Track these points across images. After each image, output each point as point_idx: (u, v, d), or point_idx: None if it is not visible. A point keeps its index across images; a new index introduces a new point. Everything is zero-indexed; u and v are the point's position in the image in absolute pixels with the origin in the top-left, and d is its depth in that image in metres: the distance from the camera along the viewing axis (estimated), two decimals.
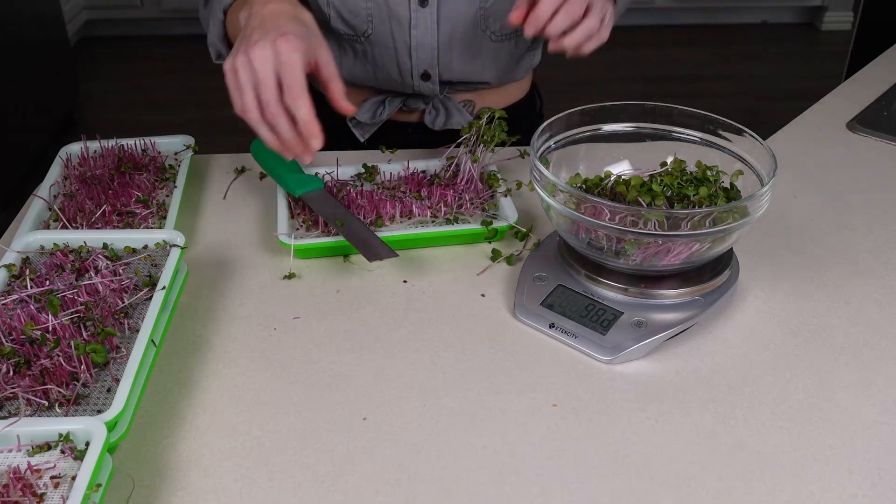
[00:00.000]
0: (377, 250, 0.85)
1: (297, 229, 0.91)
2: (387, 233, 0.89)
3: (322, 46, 0.78)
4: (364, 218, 0.90)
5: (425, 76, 1.05)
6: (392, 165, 1.00)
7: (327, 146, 0.81)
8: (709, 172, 0.83)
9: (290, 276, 0.87)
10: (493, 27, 1.01)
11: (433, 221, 0.92)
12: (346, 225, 0.88)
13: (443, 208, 0.93)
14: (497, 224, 0.90)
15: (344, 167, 1.00)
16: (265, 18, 0.77)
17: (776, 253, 0.91)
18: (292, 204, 0.94)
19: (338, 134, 1.11)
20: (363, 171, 1.00)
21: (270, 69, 0.74)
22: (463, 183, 0.96)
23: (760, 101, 3.25)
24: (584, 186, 0.84)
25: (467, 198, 0.94)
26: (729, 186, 0.83)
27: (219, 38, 0.92)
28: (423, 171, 1.00)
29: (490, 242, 0.92)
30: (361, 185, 0.98)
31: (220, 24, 0.89)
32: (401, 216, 0.92)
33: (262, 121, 0.77)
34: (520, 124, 1.21)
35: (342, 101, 0.80)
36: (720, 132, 0.86)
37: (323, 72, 0.79)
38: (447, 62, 1.04)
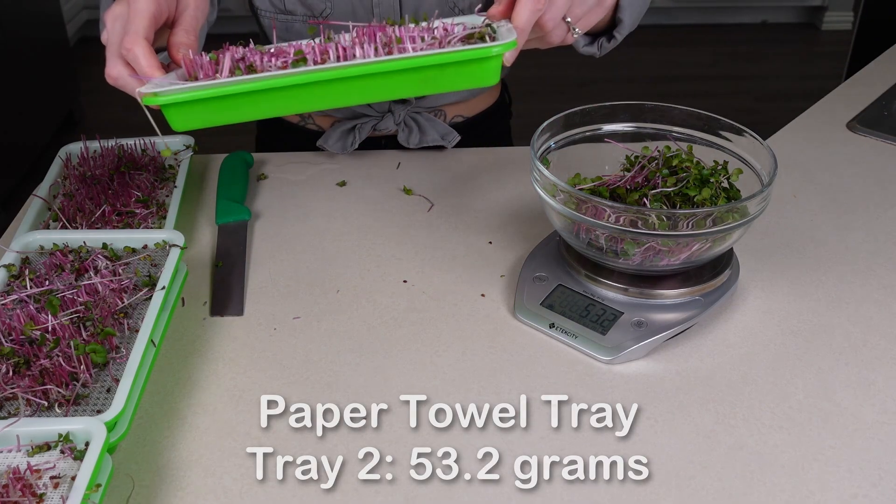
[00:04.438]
0: (226, 305, 0.83)
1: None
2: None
3: (189, 6, 0.74)
4: (276, 60, 0.68)
5: None
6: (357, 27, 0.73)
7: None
8: (715, 163, 0.83)
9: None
10: (461, 4, 1.00)
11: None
12: (223, 268, 0.87)
13: (397, 45, 0.68)
14: (486, 45, 0.67)
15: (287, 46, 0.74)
16: None
17: (776, 253, 0.91)
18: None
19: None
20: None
21: (119, 23, 0.71)
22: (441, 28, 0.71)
23: (760, 101, 3.25)
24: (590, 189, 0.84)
25: (443, 30, 0.70)
26: (729, 186, 0.83)
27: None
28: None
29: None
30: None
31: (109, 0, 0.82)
32: (339, 60, 0.68)
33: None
34: (493, 129, 1.21)
35: (173, 48, 0.72)
36: (720, 132, 0.86)
37: (175, 15, 0.73)
38: None
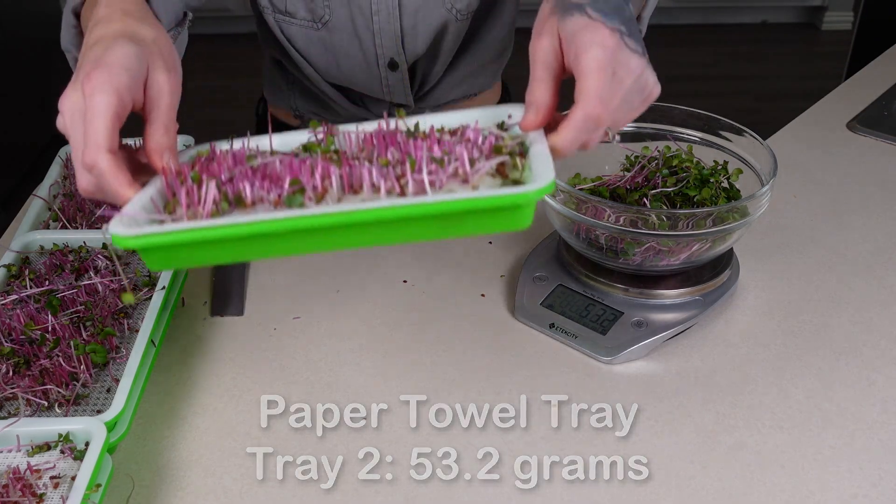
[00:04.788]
0: (226, 305, 0.82)
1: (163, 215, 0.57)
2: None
3: (160, 70, 0.60)
4: (268, 192, 0.55)
5: (392, 65, 1.03)
6: (363, 125, 0.65)
7: None
8: (715, 163, 0.82)
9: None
10: (458, 5, 1.00)
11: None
12: (223, 268, 0.84)
13: (413, 176, 0.54)
14: (523, 189, 0.53)
15: (286, 135, 0.66)
16: (93, 44, 0.61)
17: (776, 253, 0.91)
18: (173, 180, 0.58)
19: None
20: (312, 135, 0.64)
21: (77, 120, 0.58)
22: (464, 140, 0.60)
23: (760, 101, 3.25)
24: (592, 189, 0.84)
25: (464, 152, 0.56)
26: (729, 186, 0.83)
27: (72, 43, 0.75)
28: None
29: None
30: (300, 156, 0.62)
31: (71, 28, 0.73)
32: (345, 191, 0.55)
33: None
34: None
35: (153, 153, 0.59)
36: (720, 132, 0.86)
37: (146, 106, 0.60)
38: (413, 47, 1.02)
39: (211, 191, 0.55)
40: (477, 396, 0.73)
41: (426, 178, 0.54)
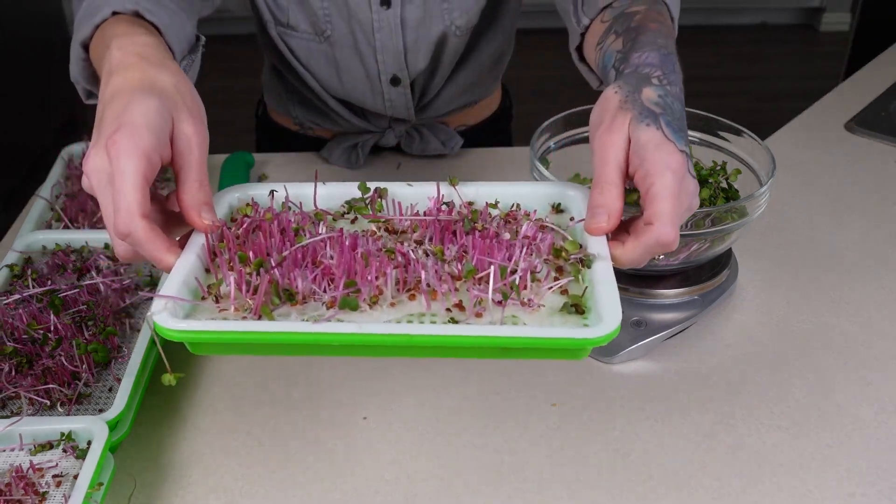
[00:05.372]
0: None
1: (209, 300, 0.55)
2: (364, 324, 0.51)
3: (185, 121, 0.57)
4: (324, 291, 0.54)
5: (394, 80, 1.03)
6: (412, 189, 0.63)
7: None
8: (714, 163, 0.83)
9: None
10: (457, 21, 1.00)
11: (450, 314, 0.53)
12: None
13: (473, 291, 0.53)
14: (591, 334, 0.50)
15: (330, 186, 0.63)
16: (111, 97, 0.58)
17: (775, 253, 0.91)
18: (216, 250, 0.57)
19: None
20: (358, 197, 0.63)
21: (104, 183, 0.55)
22: (522, 238, 0.57)
23: (759, 102, 3.25)
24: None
25: (526, 265, 0.55)
26: (727, 186, 0.83)
27: (82, 76, 0.73)
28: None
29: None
30: (355, 219, 0.62)
31: (80, 61, 0.71)
32: (399, 290, 0.54)
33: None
34: (495, 135, 1.20)
35: (190, 210, 0.57)
36: (719, 132, 0.86)
37: (175, 160, 0.57)
38: (415, 63, 1.02)
39: (264, 283, 0.53)
40: (477, 396, 0.73)
41: (490, 297, 0.52)
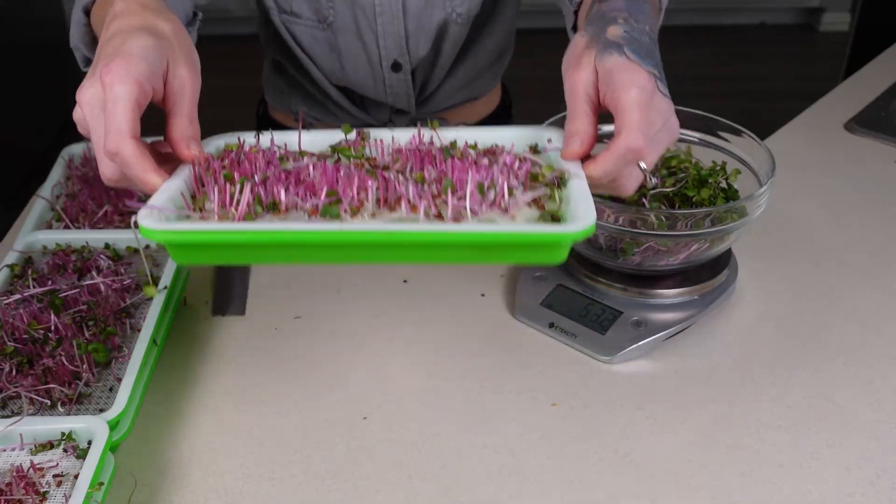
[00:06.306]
0: (227, 305, 0.83)
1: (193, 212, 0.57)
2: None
3: (180, 64, 0.60)
4: (305, 200, 0.56)
5: (395, 66, 1.04)
6: (394, 133, 0.65)
7: None
8: (713, 163, 0.83)
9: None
10: (458, 9, 1.00)
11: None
12: (225, 268, 0.86)
13: (452, 200, 0.55)
14: (565, 229, 0.53)
15: (314, 134, 0.66)
16: (110, 38, 0.60)
17: (774, 253, 0.91)
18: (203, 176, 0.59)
19: None
20: (343, 139, 0.65)
21: (97, 112, 0.57)
22: (501, 166, 0.59)
23: (759, 102, 3.25)
24: None
25: (504, 182, 0.57)
26: (727, 187, 0.83)
27: (83, 41, 0.74)
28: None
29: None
30: (337, 160, 0.62)
31: (81, 26, 0.73)
32: (380, 205, 0.56)
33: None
34: None
35: (179, 143, 0.59)
36: (719, 132, 0.86)
37: (168, 99, 0.60)
38: (416, 49, 1.03)
39: (246, 193, 0.55)
40: (477, 396, 0.73)
41: (468, 206, 0.54)
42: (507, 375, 0.75)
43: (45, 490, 0.61)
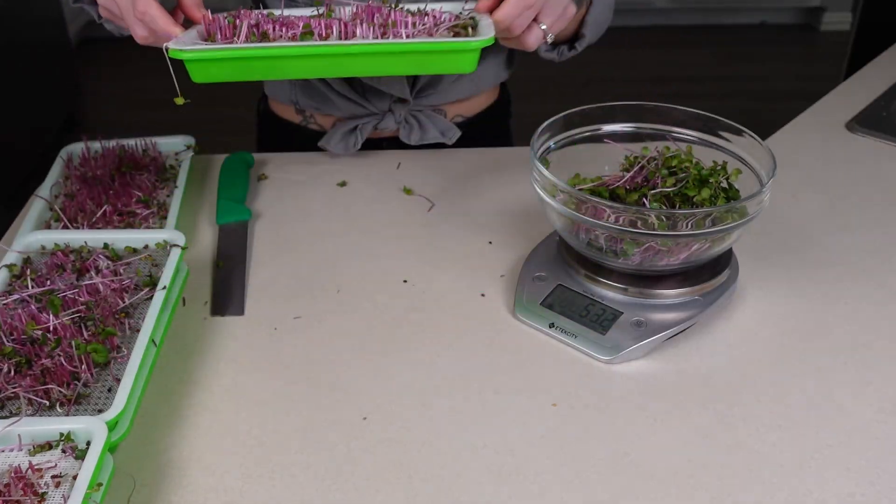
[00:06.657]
0: (226, 305, 0.83)
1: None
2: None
3: None
4: (286, 31, 0.80)
5: None
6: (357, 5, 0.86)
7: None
8: (714, 163, 0.83)
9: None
10: None
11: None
12: (224, 268, 0.88)
13: (391, 32, 0.80)
14: (469, 38, 0.78)
15: (287, 11, 0.87)
16: None
17: (775, 253, 0.91)
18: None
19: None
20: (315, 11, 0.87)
21: None
22: (432, 15, 0.84)
23: (759, 102, 3.25)
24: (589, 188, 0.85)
25: (432, 21, 0.82)
26: (728, 186, 0.83)
27: None
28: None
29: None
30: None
31: None
32: (341, 38, 0.80)
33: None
34: (493, 128, 1.21)
35: (192, 7, 0.81)
36: (719, 132, 0.86)
37: None
38: None
39: (244, 27, 0.79)
40: (477, 396, 0.73)
41: (403, 32, 0.79)
42: (507, 375, 0.75)
43: (43, 491, 0.61)
